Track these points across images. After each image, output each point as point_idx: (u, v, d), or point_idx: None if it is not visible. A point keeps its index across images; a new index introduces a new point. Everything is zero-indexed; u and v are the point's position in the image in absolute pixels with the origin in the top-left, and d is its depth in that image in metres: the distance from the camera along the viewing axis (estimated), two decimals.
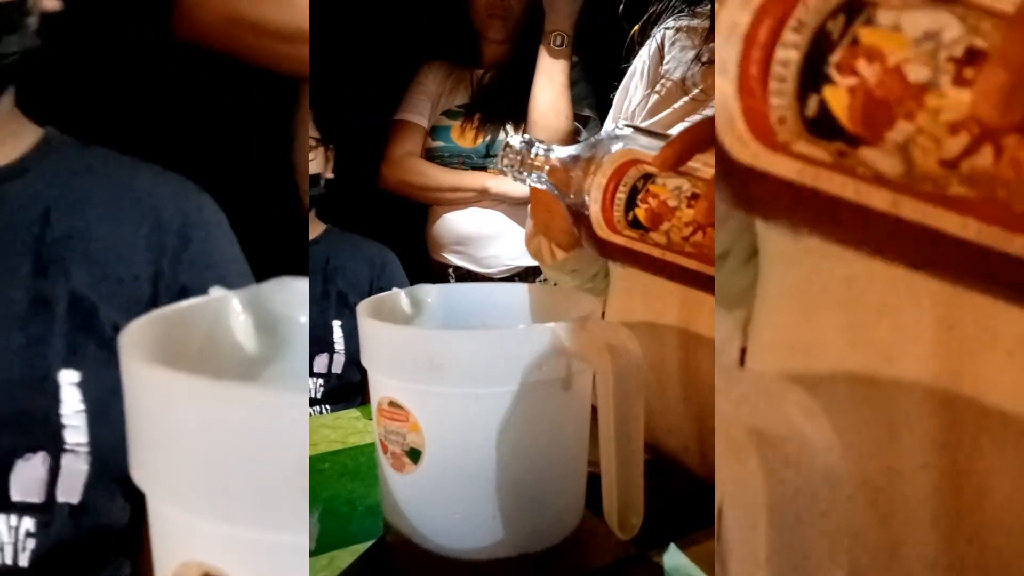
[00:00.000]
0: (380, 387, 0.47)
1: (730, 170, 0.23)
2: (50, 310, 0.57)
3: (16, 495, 0.54)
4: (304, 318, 0.36)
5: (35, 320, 0.57)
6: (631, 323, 0.56)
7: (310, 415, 1.03)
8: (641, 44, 0.75)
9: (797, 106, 0.21)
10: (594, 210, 0.44)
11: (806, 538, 0.19)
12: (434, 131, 1.50)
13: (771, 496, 0.19)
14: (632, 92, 0.74)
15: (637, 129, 0.44)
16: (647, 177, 0.42)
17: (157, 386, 0.26)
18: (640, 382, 0.43)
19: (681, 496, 0.58)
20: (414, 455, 0.45)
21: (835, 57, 0.20)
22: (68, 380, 0.56)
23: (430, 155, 1.49)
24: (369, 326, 0.47)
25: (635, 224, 0.43)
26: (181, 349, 0.32)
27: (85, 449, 0.55)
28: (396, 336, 0.45)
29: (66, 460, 0.55)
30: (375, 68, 1.56)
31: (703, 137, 0.39)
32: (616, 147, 0.43)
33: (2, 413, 0.55)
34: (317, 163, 1.25)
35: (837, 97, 0.20)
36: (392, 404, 0.46)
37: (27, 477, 0.54)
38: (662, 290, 0.68)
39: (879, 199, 0.21)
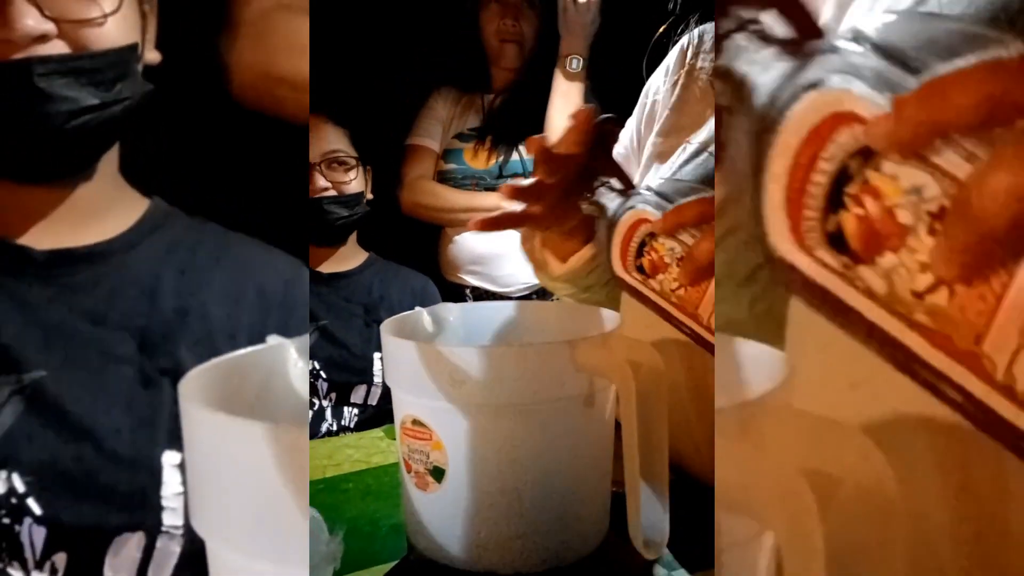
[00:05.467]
0: (403, 406, 0.47)
1: (771, 256, 0.28)
2: (158, 390, 0.57)
3: (108, 572, 0.54)
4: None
5: (143, 400, 0.56)
6: (656, 340, 0.56)
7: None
8: (666, 44, 0.77)
9: (822, 219, 0.26)
10: (615, 253, 0.54)
11: None
12: (447, 154, 1.51)
13: (829, 536, 0.20)
14: (656, 92, 0.76)
15: (660, 187, 0.52)
16: (652, 235, 0.51)
17: (212, 430, 0.26)
18: (664, 398, 0.43)
19: (706, 515, 0.57)
20: (437, 474, 0.46)
21: (851, 189, 0.25)
22: (170, 462, 0.56)
23: (444, 177, 1.50)
24: (392, 345, 0.47)
25: (640, 270, 0.53)
26: (238, 396, 0.33)
27: (180, 532, 0.55)
28: (418, 354, 0.45)
29: (161, 542, 0.55)
30: (386, 94, 1.58)
31: (700, 212, 0.46)
32: (634, 206, 0.53)
33: (107, 491, 0.54)
34: (358, 182, 1.25)
35: (849, 221, 0.25)
36: (415, 423, 0.46)
37: (123, 556, 0.54)
38: None
39: (868, 310, 0.25)
